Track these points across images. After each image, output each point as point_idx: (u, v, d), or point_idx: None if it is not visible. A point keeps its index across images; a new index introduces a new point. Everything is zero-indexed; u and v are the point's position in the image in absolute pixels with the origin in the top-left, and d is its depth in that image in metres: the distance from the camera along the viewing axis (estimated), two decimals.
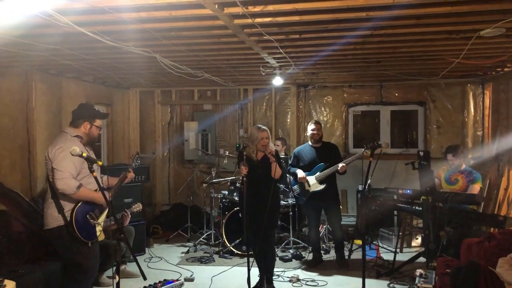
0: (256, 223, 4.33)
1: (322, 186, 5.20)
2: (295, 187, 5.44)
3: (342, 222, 5.60)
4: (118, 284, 2.82)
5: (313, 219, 5.47)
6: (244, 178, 4.08)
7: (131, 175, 4.00)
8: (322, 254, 5.65)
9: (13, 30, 3.39)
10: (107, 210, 3.68)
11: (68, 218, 3.41)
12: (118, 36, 3.67)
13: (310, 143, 5.41)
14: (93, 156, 3.55)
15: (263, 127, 4.38)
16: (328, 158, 5.22)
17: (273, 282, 4.54)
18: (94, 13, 3.02)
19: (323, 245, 5.95)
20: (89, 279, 3.63)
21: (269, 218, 4.28)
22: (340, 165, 5.06)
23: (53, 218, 3.46)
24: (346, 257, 5.57)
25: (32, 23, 3.11)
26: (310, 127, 5.36)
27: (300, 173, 5.26)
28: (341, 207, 5.64)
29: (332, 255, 5.77)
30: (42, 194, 5.01)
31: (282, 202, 5.67)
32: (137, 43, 4.00)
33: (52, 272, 4.09)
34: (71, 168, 3.38)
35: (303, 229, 6.54)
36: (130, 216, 4.77)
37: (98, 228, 3.59)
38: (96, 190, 3.55)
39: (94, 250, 3.60)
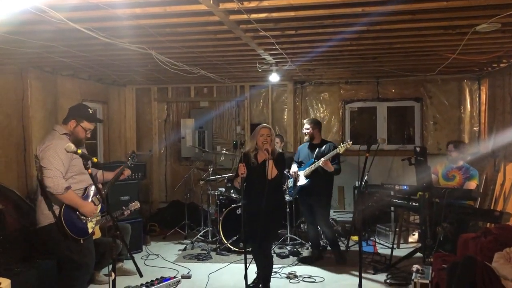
0: (253, 228, 4.15)
1: (305, 181, 5.29)
2: (290, 180, 5.59)
3: (339, 219, 5.63)
4: (114, 281, 2.81)
5: (307, 215, 5.55)
6: (242, 175, 3.98)
7: (127, 172, 4.01)
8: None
9: (3, 26, 3.36)
10: (99, 207, 3.67)
11: (58, 215, 3.40)
12: (113, 32, 3.64)
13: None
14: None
15: (266, 124, 4.32)
16: (318, 155, 5.26)
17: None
18: (88, 9, 3.00)
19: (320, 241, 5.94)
20: (84, 276, 3.62)
21: (265, 230, 4.08)
22: (321, 160, 5.06)
23: (44, 216, 3.46)
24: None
25: (24, 19, 3.09)
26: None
27: (293, 168, 5.47)
28: (329, 205, 5.60)
29: (329, 250, 5.77)
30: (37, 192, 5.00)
31: None
32: (133, 40, 3.97)
33: (47, 270, 4.08)
34: (60, 166, 3.37)
35: (300, 226, 6.54)
36: (129, 211, 4.76)
37: (90, 225, 3.58)
38: (86, 188, 3.54)
39: (88, 247, 3.58)
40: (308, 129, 5.40)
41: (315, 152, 5.32)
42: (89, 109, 3.72)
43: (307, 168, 5.29)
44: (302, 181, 5.34)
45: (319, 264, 5.36)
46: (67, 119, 3.62)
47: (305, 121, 5.55)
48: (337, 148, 5.08)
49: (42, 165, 3.37)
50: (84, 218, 3.53)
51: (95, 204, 3.61)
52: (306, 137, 5.44)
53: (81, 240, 3.50)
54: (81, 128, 3.60)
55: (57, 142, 3.38)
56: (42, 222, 3.48)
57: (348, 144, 5.03)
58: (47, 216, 3.45)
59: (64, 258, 3.56)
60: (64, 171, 3.42)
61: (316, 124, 5.46)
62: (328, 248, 5.67)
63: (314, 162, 5.22)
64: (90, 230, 3.60)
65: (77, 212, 3.50)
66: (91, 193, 3.64)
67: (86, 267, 3.59)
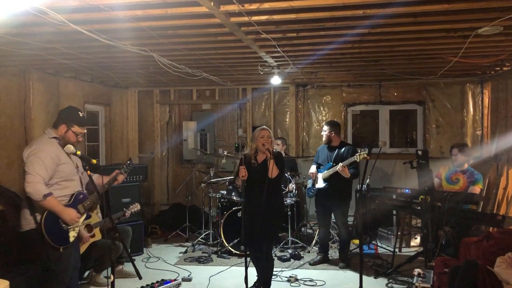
0: (253, 230, 4.14)
1: (323, 185, 5.27)
2: (309, 180, 5.62)
3: None
4: (113, 283, 2.80)
5: (320, 217, 5.52)
6: (243, 178, 3.96)
7: (121, 178, 3.79)
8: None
9: (4, 28, 3.36)
10: (84, 216, 3.54)
11: (39, 221, 3.30)
12: (114, 34, 3.65)
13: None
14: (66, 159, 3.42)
15: (265, 126, 4.34)
16: (337, 158, 5.22)
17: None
18: (89, 11, 3.01)
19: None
20: (58, 285, 3.44)
21: (265, 230, 4.08)
22: (338, 166, 5.02)
23: (26, 221, 3.37)
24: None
25: (25, 20, 3.10)
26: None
27: (312, 169, 5.48)
28: (348, 207, 5.48)
29: (330, 254, 5.74)
30: None
31: None
32: (134, 42, 3.98)
33: None
34: (42, 172, 3.25)
35: (301, 229, 6.52)
36: (130, 213, 4.74)
37: (72, 234, 3.43)
38: (72, 195, 3.46)
39: (67, 256, 3.43)
40: (325, 131, 5.36)
41: (334, 155, 5.27)
42: (79, 113, 3.54)
43: (325, 171, 5.26)
44: (320, 184, 5.32)
45: (320, 267, 5.33)
46: (57, 123, 3.48)
47: (324, 123, 5.54)
48: (355, 156, 4.92)
49: (24, 169, 3.26)
50: (66, 226, 3.39)
51: (79, 212, 3.46)
52: (324, 139, 5.40)
53: (61, 249, 3.36)
54: (71, 132, 3.45)
55: (43, 147, 3.29)
56: (24, 227, 3.38)
57: (365, 154, 4.78)
58: (28, 221, 3.35)
59: (41, 265, 3.45)
60: (47, 177, 3.29)
61: (334, 126, 5.39)
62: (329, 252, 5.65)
63: (333, 165, 5.18)
64: (71, 239, 3.43)
65: (59, 220, 3.35)
66: (77, 199, 3.49)
67: (63, 276, 3.43)
